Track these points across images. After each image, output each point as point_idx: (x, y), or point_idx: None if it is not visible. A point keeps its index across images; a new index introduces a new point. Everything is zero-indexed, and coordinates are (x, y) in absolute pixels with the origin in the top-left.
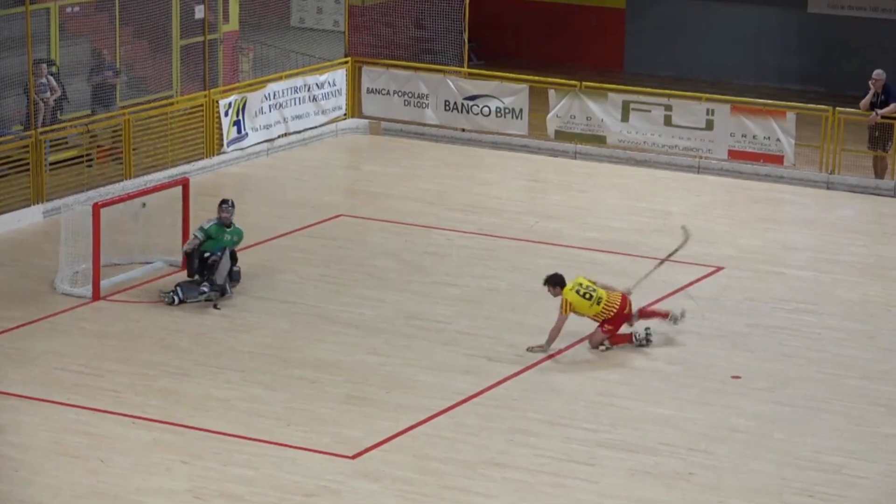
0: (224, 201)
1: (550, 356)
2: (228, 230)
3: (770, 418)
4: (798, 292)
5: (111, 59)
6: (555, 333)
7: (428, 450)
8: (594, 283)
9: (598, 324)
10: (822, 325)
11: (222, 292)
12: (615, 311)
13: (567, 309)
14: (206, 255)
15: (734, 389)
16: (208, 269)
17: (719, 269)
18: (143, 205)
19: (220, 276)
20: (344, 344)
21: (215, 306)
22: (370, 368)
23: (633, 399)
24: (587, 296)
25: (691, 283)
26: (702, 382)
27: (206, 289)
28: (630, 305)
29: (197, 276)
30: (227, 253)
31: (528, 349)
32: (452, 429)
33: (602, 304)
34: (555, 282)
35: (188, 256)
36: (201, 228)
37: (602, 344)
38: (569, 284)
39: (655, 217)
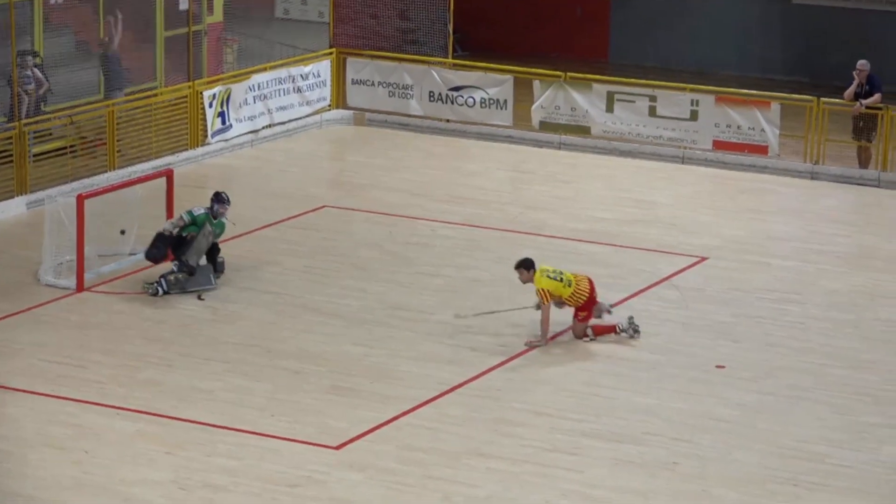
0: (221, 196)
1: (534, 347)
2: (214, 221)
3: (754, 408)
4: (782, 282)
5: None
6: (546, 325)
7: (412, 440)
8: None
9: (573, 314)
10: (806, 314)
11: (190, 272)
12: (587, 295)
13: (547, 298)
14: (184, 234)
15: (719, 379)
16: (182, 246)
17: (703, 259)
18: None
19: (193, 255)
20: (328, 335)
21: (199, 297)
22: (354, 359)
23: (617, 389)
24: (558, 278)
25: (675, 273)
26: (686, 372)
27: (174, 268)
28: (595, 289)
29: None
30: (205, 234)
31: (526, 344)
32: (437, 419)
33: (573, 287)
34: (528, 265)
35: (159, 238)
36: (189, 212)
37: (586, 335)
38: (536, 274)
39: (640, 207)
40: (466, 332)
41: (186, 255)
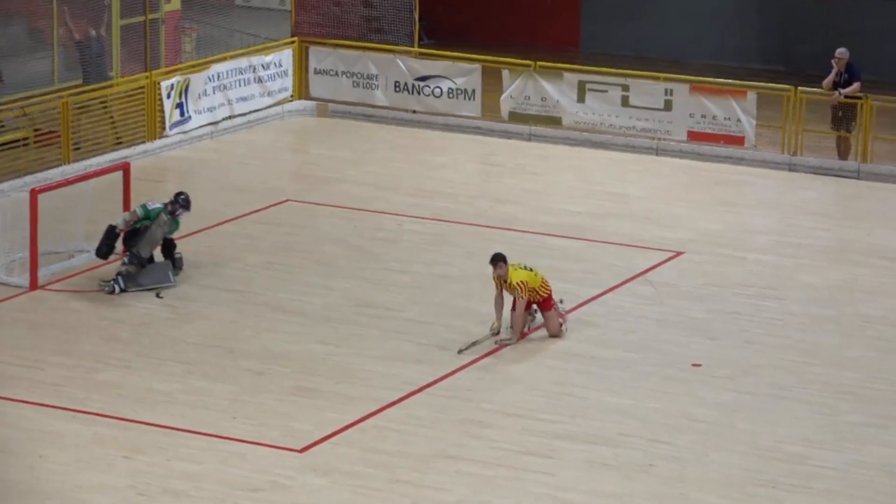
0: (183, 199)
1: (504, 345)
2: (169, 219)
3: (732, 407)
4: (760, 277)
5: None
6: (520, 321)
7: (378, 443)
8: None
9: (541, 311)
10: (784, 310)
11: (140, 264)
12: (549, 287)
13: (525, 291)
14: (138, 226)
15: (695, 378)
16: (134, 237)
17: (679, 253)
18: (158, 296)
19: (145, 247)
20: (292, 333)
21: (158, 295)
22: (319, 359)
23: (591, 388)
24: (527, 268)
25: (650, 269)
26: (661, 371)
27: (125, 260)
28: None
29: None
30: (159, 223)
31: (496, 342)
32: (404, 420)
33: (541, 276)
34: (505, 259)
35: (109, 233)
36: (144, 207)
37: (562, 327)
38: (509, 269)
39: (613, 200)
40: (434, 330)
41: (138, 245)
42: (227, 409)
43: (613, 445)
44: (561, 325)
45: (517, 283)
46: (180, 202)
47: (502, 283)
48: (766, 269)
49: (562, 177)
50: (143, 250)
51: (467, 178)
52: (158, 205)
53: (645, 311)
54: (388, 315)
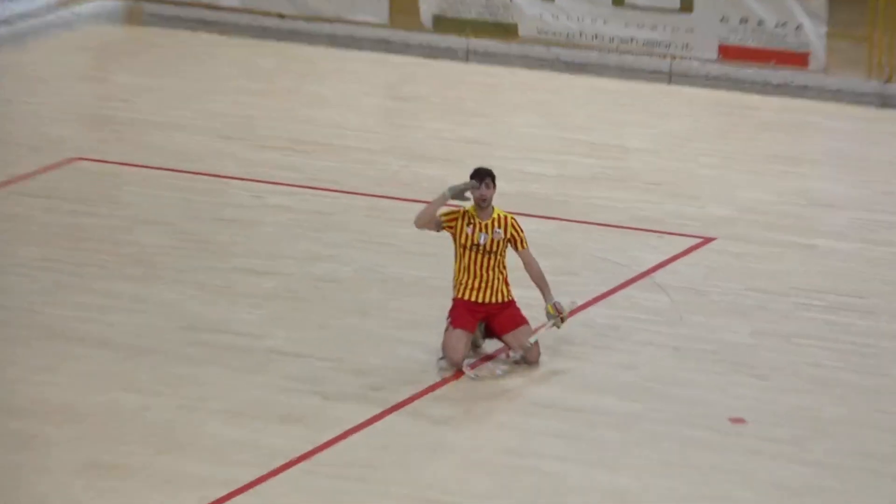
0: None
1: (434, 387)
2: None
3: (797, 490)
4: (835, 277)
5: None
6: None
7: None
8: None
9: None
10: (875, 331)
11: None
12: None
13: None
14: None
15: (736, 442)
16: None
17: (706, 240)
18: None
19: None
20: (83, 375)
21: None
22: (127, 415)
23: (567, 460)
24: None
25: (661, 265)
26: (681, 430)
27: None
28: None
29: None
30: None
31: (471, 375)
32: None
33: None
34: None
35: None
36: None
37: (536, 345)
38: (468, 209)
39: (601, 156)
40: (312, 367)
41: None
42: None
43: None
44: (535, 342)
45: (516, 229)
46: None
47: (481, 221)
48: (844, 263)
49: (518, 118)
50: None
51: (366, 121)
52: None
53: (653, 334)
54: (239, 344)
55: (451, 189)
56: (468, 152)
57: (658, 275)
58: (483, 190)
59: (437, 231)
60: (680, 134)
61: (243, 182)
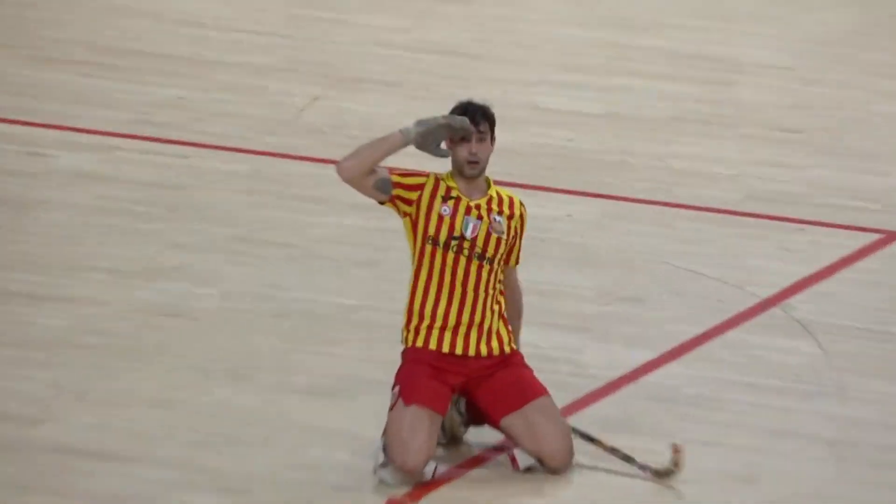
0: None
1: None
2: None
3: None
4: None
5: None
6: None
7: None
8: None
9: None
10: None
11: None
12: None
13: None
14: None
15: None
16: None
17: (891, 236)
18: None
19: None
20: None
21: None
22: None
23: None
24: None
25: (808, 281)
26: None
27: None
28: None
29: None
30: None
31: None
32: None
33: None
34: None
35: None
36: None
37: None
38: (443, 176)
39: (688, 79)
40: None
41: None
42: None
43: None
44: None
45: (524, 212)
46: None
47: (469, 200)
48: None
49: (535, 8)
50: None
51: (242, 13)
52: None
53: (789, 415)
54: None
55: (419, 123)
56: (438, 72)
57: (797, 301)
58: (474, 143)
59: (380, 200)
60: (834, 38)
61: (53, 131)
